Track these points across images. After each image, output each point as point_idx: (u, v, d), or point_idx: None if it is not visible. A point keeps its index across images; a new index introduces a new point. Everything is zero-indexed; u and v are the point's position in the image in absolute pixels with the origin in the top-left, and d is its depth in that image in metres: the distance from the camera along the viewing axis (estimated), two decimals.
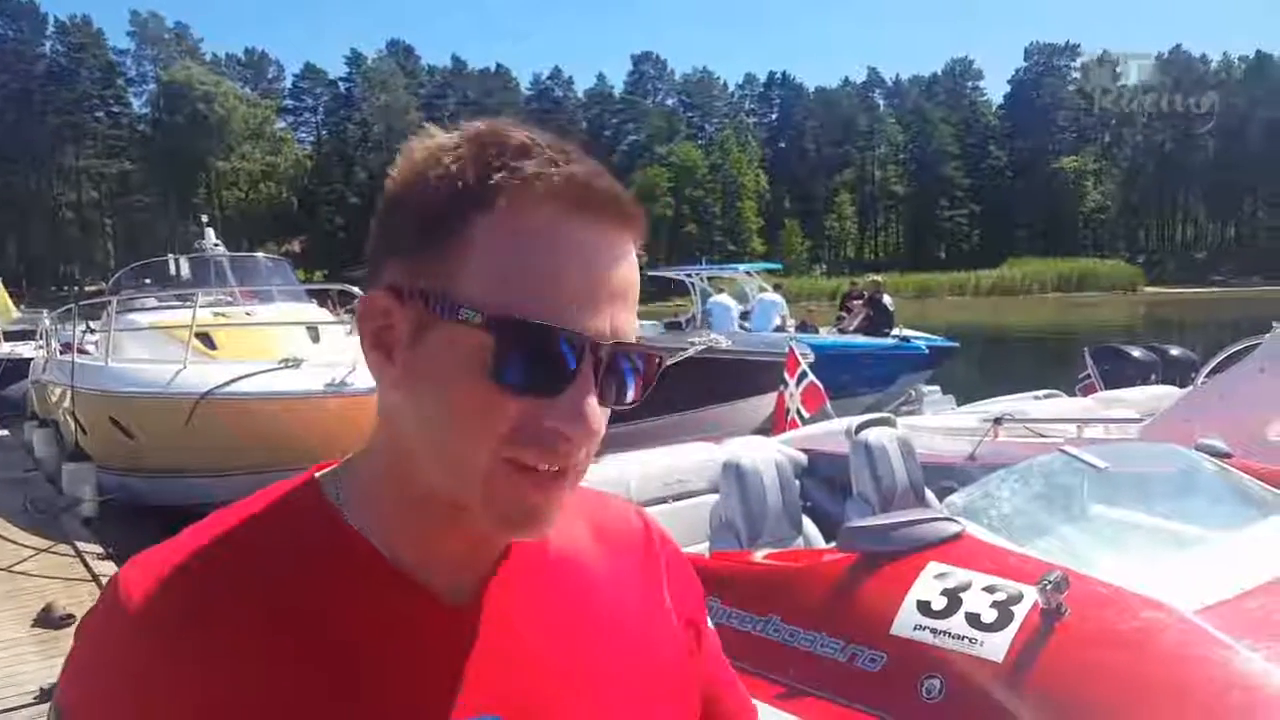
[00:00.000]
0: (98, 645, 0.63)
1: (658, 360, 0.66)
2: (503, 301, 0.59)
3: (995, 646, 2.32)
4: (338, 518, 0.67)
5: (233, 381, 6.97)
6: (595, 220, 0.61)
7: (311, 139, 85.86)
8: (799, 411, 8.04)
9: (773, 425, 8.16)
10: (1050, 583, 2.28)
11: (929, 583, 2.57)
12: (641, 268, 0.66)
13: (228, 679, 0.60)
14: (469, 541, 0.67)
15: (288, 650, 0.61)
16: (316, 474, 0.71)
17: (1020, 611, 2.36)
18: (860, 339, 12.83)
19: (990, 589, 2.47)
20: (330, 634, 0.63)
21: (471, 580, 0.68)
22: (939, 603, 2.50)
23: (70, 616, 5.13)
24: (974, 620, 2.40)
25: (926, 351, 12.87)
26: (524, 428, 0.60)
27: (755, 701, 0.92)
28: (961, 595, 2.48)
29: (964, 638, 2.38)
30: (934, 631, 2.44)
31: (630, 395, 0.65)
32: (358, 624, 0.64)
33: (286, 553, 0.65)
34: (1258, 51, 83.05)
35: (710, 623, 0.85)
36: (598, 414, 0.62)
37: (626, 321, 0.63)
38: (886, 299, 13.56)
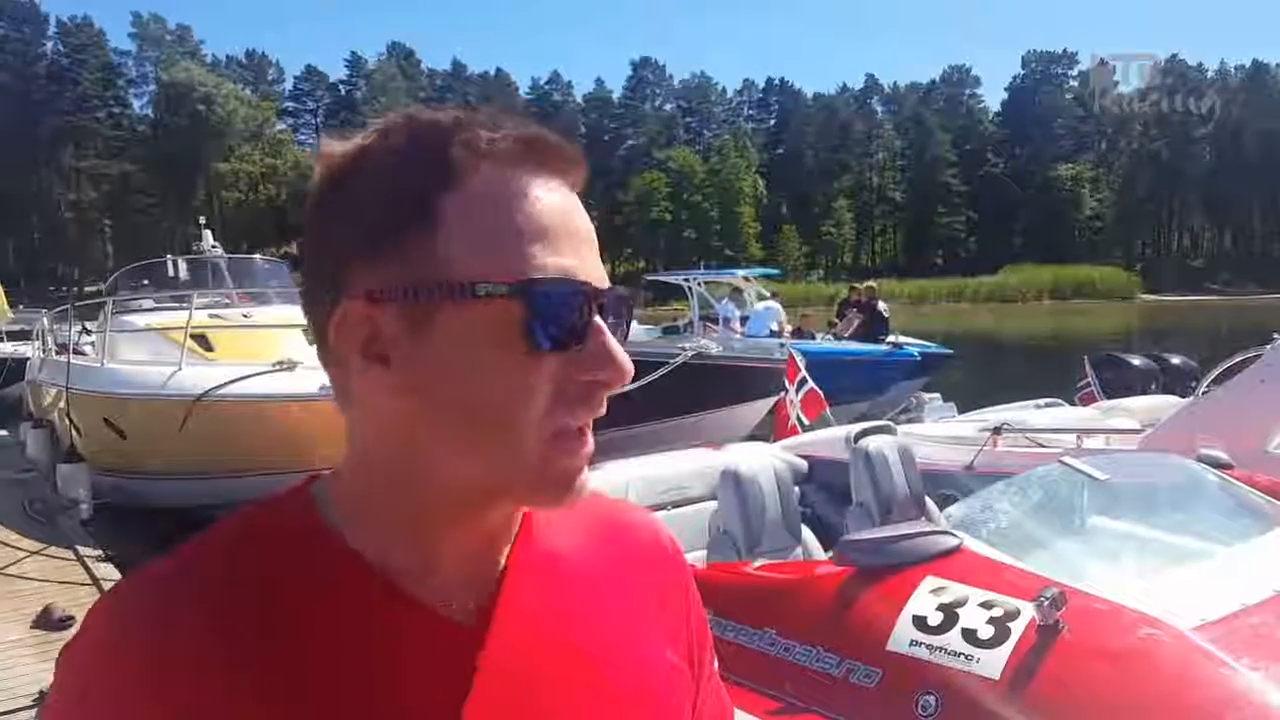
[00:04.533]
0: (72, 663, 0.62)
1: (631, 299, 0.68)
2: (512, 268, 0.59)
3: (991, 663, 2.29)
4: (330, 531, 0.65)
5: (227, 384, 6.95)
6: (554, 174, 0.63)
7: (311, 141, 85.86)
8: (799, 418, 8.03)
9: (774, 431, 8.16)
10: (1047, 599, 2.25)
11: (925, 598, 2.54)
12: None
13: (199, 694, 0.58)
14: (467, 551, 0.66)
15: (271, 663, 0.60)
16: (311, 486, 0.69)
17: (1017, 628, 2.34)
18: (852, 345, 12.81)
19: (987, 604, 2.44)
20: (319, 649, 0.61)
21: (475, 597, 0.66)
22: (935, 618, 2.47)
23: (70, 618, 5.09)
24: (970, 636, 2.38)
25: (919, 358, 12.84)
26: (563, 389, 0.60)
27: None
28: (958, 611, 2.46)
29: (960, 654, 2.35)
30: (930, 648, 2.42)
31: (624, 335, 0.66)
32: (351, 639, 0.62)
33: (275, 567, 0.63)
34: (1254, 60, 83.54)
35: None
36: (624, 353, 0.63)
37: (601, 266, 0.65)
38: (881, 305, 13.54)
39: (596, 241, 0.65)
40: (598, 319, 0.62)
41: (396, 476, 0.63)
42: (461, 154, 0.60)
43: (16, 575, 6.08)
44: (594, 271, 0.63)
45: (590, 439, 0.63)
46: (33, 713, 4.13)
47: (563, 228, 0.62)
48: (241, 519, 0.67)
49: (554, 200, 0.62)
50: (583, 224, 0.64)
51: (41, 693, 4.24)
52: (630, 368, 0.62)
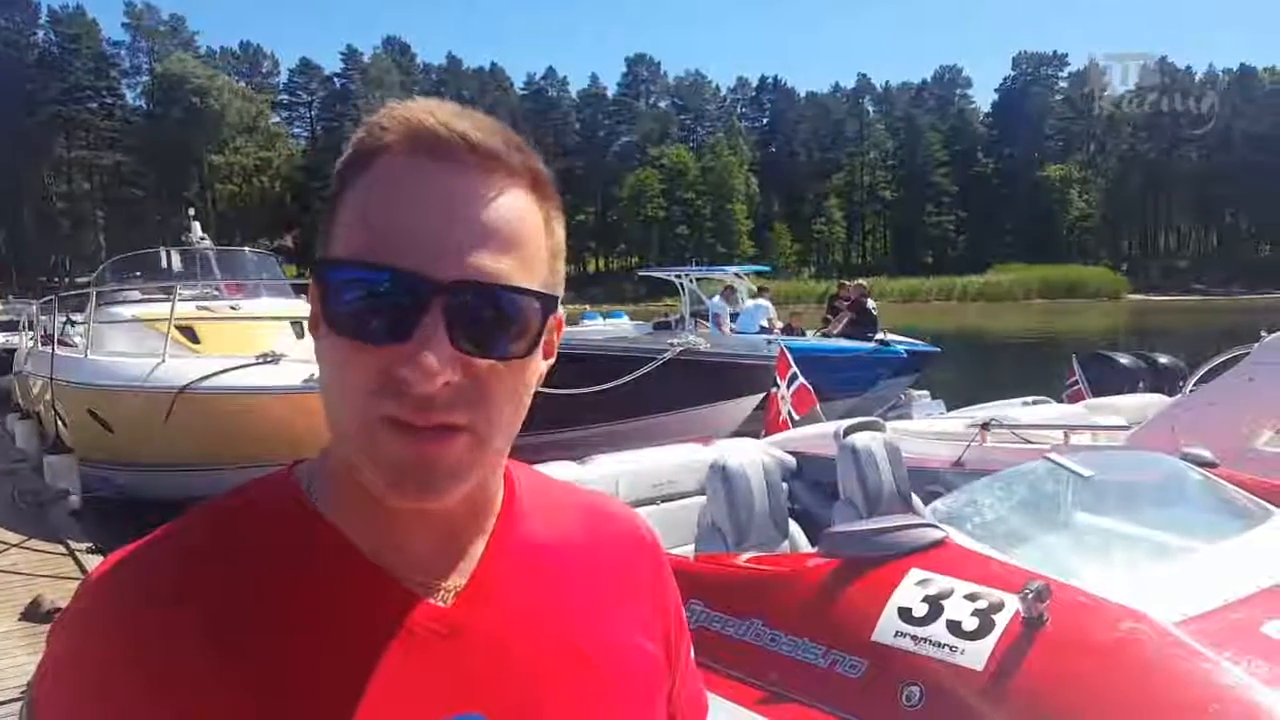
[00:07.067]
0: (58, 640, 0.63)
1: (540, 305, 0.62)
2: (341, 250, 0.60)
3: (975, 655, 2.30)
4: (310, 510, 0.66)
5: (210, 376, 6.92)
6: (438, 161, 0.60)
7: (306, 134, 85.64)
8: (790, 412, 8.05)
9: (765, 426, 8.18)
10: (1032, 592, 2.26)
11: (911, 589, 2.55)
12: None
13: (179, 665, 0.59)
14: (435, 533, 0.66)
15: (252, 635, 0.60)
16: (296, 467, 0.70)
17: (1001, 620, 2.35)
18: (840, 343, 12.85)
19: (972, 597, 2.45)
20: (297, 620, 0.62)
21: (456, 579, 0.67)
22: (920, 610, 2.48)
23: (59, 610, 5.07)
24: (955, 628, 2.39)
25: (905, 356, 12.88)
26: (381, 379, 0.58)
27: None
28: (943, 603, 2.47)
29: (944, 645, 2.36)
30: (915, 639, 2.43)
31: (499, 340, 0.60)
32: (329, 610, 0.62)
33: (255, 544, 0.64)
34: (1242, 64, 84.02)
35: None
36: (436, 357, 0.57)
37: (488, 264, 0.59)
38: (870, 303, 13.56)
39: (499, 239, 0.60)
40: (434, 315, 0.57)
41: (341, 451, 0.64)
42: (369, 146, 0.61)
43: (5, 568, 6.05)
44: (454, 264, 0.58)
45: (443, 439, 0.59)
46: (21, 704, 4.12)
47: (417, 214, 0.59)
48: (226, 497, 0.68)
49: (425, 187, 0.59)
50: (465, 215, 0.59)
51: (30, 684, 4.23)
52: (433, 371, 0.57)
